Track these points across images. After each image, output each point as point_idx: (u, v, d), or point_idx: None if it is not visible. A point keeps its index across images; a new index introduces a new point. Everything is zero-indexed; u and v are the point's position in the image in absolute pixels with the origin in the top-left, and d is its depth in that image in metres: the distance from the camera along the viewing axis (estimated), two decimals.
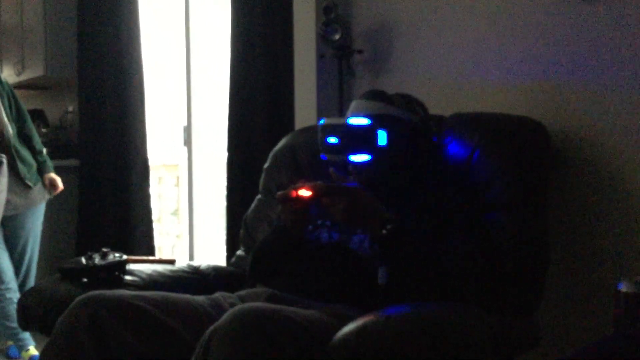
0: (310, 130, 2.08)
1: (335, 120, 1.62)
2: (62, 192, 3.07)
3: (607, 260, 1.69)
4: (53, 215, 3.35)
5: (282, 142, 2.05)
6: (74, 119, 4.07)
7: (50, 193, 3.02)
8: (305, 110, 2.43)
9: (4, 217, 2.85)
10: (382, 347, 1.17)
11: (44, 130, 3.98)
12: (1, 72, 4.20)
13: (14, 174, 2.85)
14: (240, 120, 2.84)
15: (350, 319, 1.25)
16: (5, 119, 2.85)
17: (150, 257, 2.00)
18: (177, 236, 4.33)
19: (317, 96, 2.40)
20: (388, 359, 1.16)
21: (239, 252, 2.06)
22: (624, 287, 1.27)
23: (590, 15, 1.72)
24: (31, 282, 3.05)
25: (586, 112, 1.74)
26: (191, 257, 3.49)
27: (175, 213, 4.40)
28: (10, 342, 3.04)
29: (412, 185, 1.62)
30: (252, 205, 2.06)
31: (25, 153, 2.93)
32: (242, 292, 1.60)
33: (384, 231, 1.39)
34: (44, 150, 3.04)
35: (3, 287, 2.87)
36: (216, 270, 1.89)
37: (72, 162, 3.77)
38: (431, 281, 1.41)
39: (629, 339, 1.03)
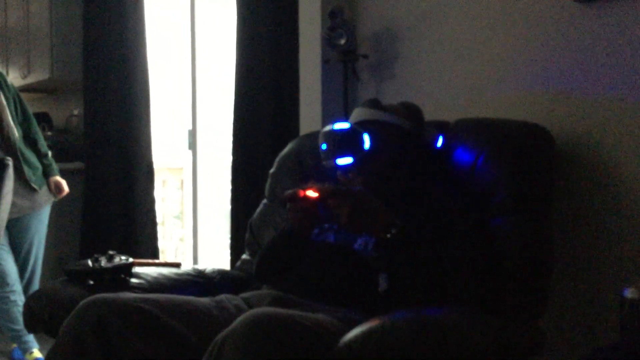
0: (315, 135, 2.08)
1: (325, 128, 1.68)
2: (67, 195, 3.07)
3: (612, 266, 1.69)
4: (58, 218, 3.35)
5: (287, 148, 2.06)
6: (79, 122, 4.08)
7: (55, 196, 3.03)
8: (310, 115, 2.44)
9: (9, 220, 2.86)
10: (387, 352, 1.17)
11: (49, 133, 3.99)
12: (7, 75, 4.21)
13: (20, 177, 2.85)
14: (245, 125, 2.84)
15: (357, 323, 1.25)
16: (11, 122, 2.86)
17: (156, 260, 2.01)
18: (181, 239, 4.33)
19: (322, 101, 2.40)
20: None
21: (244, 256, 2.07)
22: (629, 294, 1.27)
23: (594, 20, 1.72)
24: (36, 284, 3.06)
25: (590, 117, 1.74)
26: (195, 261, 3.50)
27: (178, 216, 4.41)
28: (14, 345, 3.04)
29: (415, 189, 1.62)
30: (258, 210, 2.07)
31: (31, 156, 2.93)
32: (247, 294, 1.60)
33: (388, 235, 1.40)
34: (50, 153, 3.04)
35: (8, 289, 2.87)
36: (221, 274, 1.89)
37: (77, 165, 3.78)
38: (435, 285, 1.41)
39: (634, 345, 1.03)
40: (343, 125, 1.62)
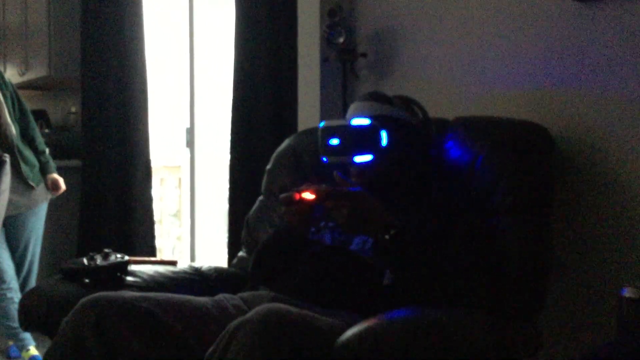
0: (312, 132, 2.08)
1: (335, 122, 1.62)
2: (64, 192, 3.07)
3: (611, 265, 1.69)
4: (55, 215, 3.34)
5: (284, 144, 2.05)
6: (76, 120, 4.08)
7: (52, 193, 3.02)
8: (309, 113, 2.43)
9: (6, 217, 2.85)
10: (385, 351, 1.17)
11: (46, 130, 3.98)
12: (5, 72, 4.20)
13: (17, 174, 2.84)
14: (243, 123, 2.84)
15: (352, 324, 1.24)
16: (9, 119, 2.85)
17: (152, 258, 2.00)
18: (178, 238, 4.33)
19: (321, 99, 2.40)
20: None
21: (240, 254, 2.06)
22: (627, 293, 1.27)
23: (595, 20, 1.72)
24: (32, 282, 3.05)
25: (590, 116, 1.74)
26: (192, 259, 3.49)
27: (176, 215, 4.40)
28: (10, 342, 3.04)
29: (415, 189, 1.61)
30: (254, 207, 2.06)
31: (28, 153, 2.93)
32: (244, 294, 1.59)
33: (386, 236, 1.39)
34: (47, 151, 3.04)
35: (4, 287, 2.87)
36: (218, 271, 1.89)
37: (75, 162, 3.77)
38: (434, 285, 1.40)
39: (632, 344, 1.03)
40: (362, 120, 1.55)
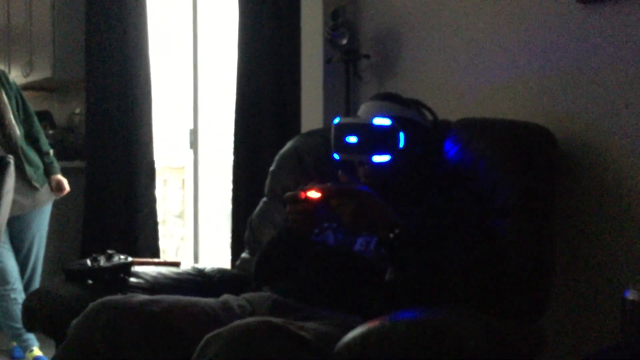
0: (316, 133, 2.08)
1: (352, 120, 1.61)
2: (68, 193, 3.08)
3: (614, 267, 1.69)
4: (59, 216, 3.35)
5: (287, 145, 2.05)
6: (80, 121, 4.08)
7: (56, 194, 3.02)
8: (312, 115, 2.43)
9: (10, 218, 2.86)
10: (387, 353, 1.17)
11: (50, 131, 3.99)
12: (9, 73, 4.21)
13: (21, 175, 2.85)
14: (246, 124, 2.84)
15: (354, 327, 1.24)
16: (13, 120, 2.86)
17: (156, 260, 2.00)
18: (182, 239, 4.33)
19: (324, 100, 2.40)
20: None
21: (243, 255, 2.06)
22: (630, 295, 1.26)
23: (597, 21, 1.71)
24: (36, 283, 3.06)
25: (593, 117, 1.73)
26: (196, 260, 3.49)
27: (180, 216, 4.40)
28: (14, 343, 3.04)
29: (420, 189, 1.61)
30: (258, 208, 2.06)
31: (32, 154, 2.94)
32: (248, 295, 1.59)
33: (391, 235, 1.39)
34: (51, 152, 3.05)
35: (8, 287, 2.87)
36: (221, 272, 1.89)
37: (79, 163, 3.78)
38: (437, 285, 1.40)
39: (635, 346, 1.03)
40: (384, 120, 1.55)
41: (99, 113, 3.71)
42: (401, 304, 1.33)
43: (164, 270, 1.79)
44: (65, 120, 4.28)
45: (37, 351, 2.94)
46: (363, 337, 1.18)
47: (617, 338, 1.31)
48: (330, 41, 2.29)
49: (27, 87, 4.13)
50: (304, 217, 1.51)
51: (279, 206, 1.92)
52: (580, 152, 1.75)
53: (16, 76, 4.13)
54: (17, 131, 2.87)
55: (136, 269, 1.74)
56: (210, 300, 1.51)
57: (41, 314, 1.61)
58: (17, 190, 2.83)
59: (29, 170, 2.88)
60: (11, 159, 2.80)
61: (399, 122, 1.56)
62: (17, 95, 2.94)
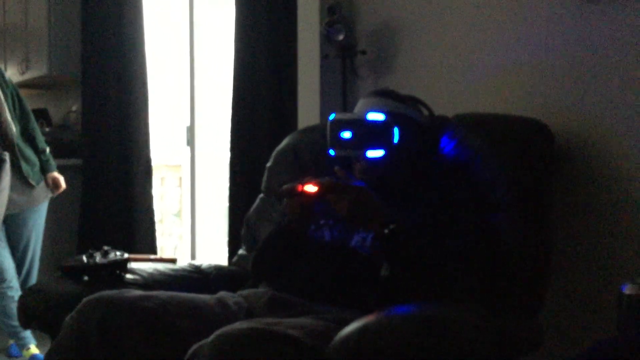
0: (312, 129, 2.08)
1: (347, 115, 1.61)
2: (64, 191, 3.07)
3: (611, 262, 1.69)
4: (55, 214, 3.34)
5: (284, 142, 2.05)
6: (77, 119, 4.07)
7: (52, 192, 3.02)
8: (309, 111, 2.43)
9: (7, 216, 2.85)
10: (383, 347, 1.16)
11: (47, 129, 3.98)
12: (5, 70, 4.19)
13: (17, 173, 2.85)
14: (243, 121, 2.83)
15: (350, 322, 1.24)
16: (9, 118, 2.86)
17: (152, 256, 2.00)
18: (179, 237, 4.32)
19: (321, 96, 2.39)
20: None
21: (240, 252, 2.06)
22: (627, 290, 1.26)
23: (598, 17, 1.71)
24: (33, 280, 3.05)
25: (590, 112, 1.73)
26: (193, 257, 3.49)
27: (177, 214, 4.40)
28: (11, 341, 3.04)
29: (415, 185, 1.61)
30: (254, 204, 2.06)
31: (29, 152, 2.93)
32: (245, 292, 1.59)
33: (386, 231, 1.39)
34: (47, 149, 3.04)
35: (5, 285, 2.87)
36: (217, 269, 1.88)
37: (75, 161, 3.77)
38: (433, 281, 1.40)
39: (633, 341, 1.02)
40: (378, 115, 1.55)
41: (95, 111, 3.70)
42: (397, 299, 1.33)
43: (160, 266, 1.78)
44: (62, 117, 4.27)
45: (34, 349, 2.94)
46: (359, 332, 1.18)
47: (614, 332, 1.31)
48: (327, 37, 2.29)
49: (23, 84, 4.12)
50: (300, 211, 1.50)
51: (276, 202, 1.92)
52: (577, 147, 1.75)
53: (12, 74, 4.12)
54: (13, 129, 2.86)
55: (132, 265, 1.74)
56: (205, 296, 1.50)
57: (37, 311, 1.60)
58: (13, 188, 2.82)
59: (25, 167, 2.87)
60: (7, 157, 2.80)
61: (394, 118, 1.56)
62: (14, 92, 2.94)
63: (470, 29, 2.02)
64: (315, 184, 1.43)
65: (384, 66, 2.29)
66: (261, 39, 2.74)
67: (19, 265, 2.99)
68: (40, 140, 3.01)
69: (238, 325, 1.24)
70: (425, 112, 1.70)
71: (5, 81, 2.90)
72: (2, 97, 2.84)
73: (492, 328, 1.34)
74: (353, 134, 1.54)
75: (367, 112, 1.57)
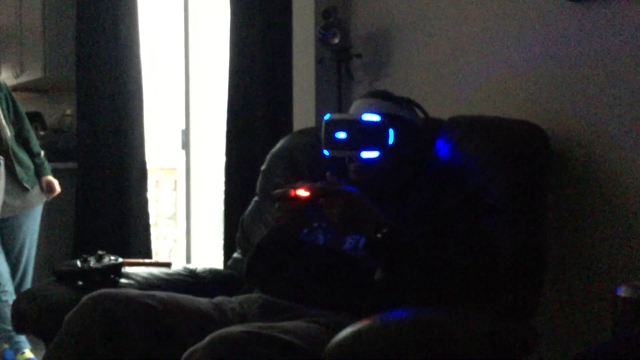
0: (307, 132, 2.08)
1: (342, 116, 1.61)
2: (59, 194, 3.06)
3: (606, 264, 1.69)
4: (50, 217, 3.34)
5: (279, 144, 2.04)
6: (72, 122, 4.06)
7: (47, 196, 3.01)
8: (304, 114, 2.43)
9: (1, 220, 2.84)
10: (378, 352, 1.16)
11: (41, 132, 3.97)
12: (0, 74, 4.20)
13: (12, 176, 2.84)
14: (238, 124, 2.83)
15: (344, 326, 1.24)
16: (3, 122, 2.85)
17: (147, 260, 1.99)
18: (175, 240, 4.31)
19: (316, 100, 2.39)
20: None
21: (235, 255, 2.05)
22: (622, 292, 1.26)
23: (588, 19, 1.72)
24: (28, 284, 3.04)
25: (585, 115, 1.73)
26: (188, 261, 3.48)
27: (172, 217, 4.39)
28: (6, 345, 3.02)
29: (409, 187, 1.61)
30: (249, 207, 2.06)
31: (23, 155, 2.92)
32: (239, 298, 1.59)
33: (378, 235, 1.38)
34: (42, 153, 3.03)
35: None
36: (212, 273, 1.88)
37: (70, 165, 3.76)
38: (427, 285, 1.40)
39: (627, 344, 1.03)
40: (373, 116, 1.55)
41: (90, 114, 3.69)
42: (391, 304, 1.33)
43: (155, 270, 1.78)
44: (56, 121, 4.26)
45: (28, 353, 2.92)
46: (354, 336, 1.18)
47: (609, 336, 1.31)
48: (322, 40, 2.29)
49: (17, 88, 4.11)
50: (292, 215, 1.50)
51: (271, 205, 1.91)
52: (572, 150, 1.76)
53: (7, 77, 4.11)
54: (8, 132, 2.85)
55: (127, 269, 1.73)
56: (204, 300, 1.51)
57: (30, 316, 1.60)
58: (7, 192, 2.82)
59: (19, 171, 2.86)
60: (1, 160, 2.79)
61: (389, 119, 1.56)
62: (8, 96, 2.93)
63: (464, 32, 2.03)
64: (307, 189, 1.43)
65: (379, 69, 2.29)
66: (256, 43, 2.74)
67: (14, 270, 2.98)
68: (35, 143, 3.00)
69: (232, 328, 1.24)
70: (421, 115, 1.70)
71: None
72: None
73: (486, 332, 1.34)
74: (348, 135, 1.54)
75: (363, 112, 1.57)
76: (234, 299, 1.58)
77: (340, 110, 2.32)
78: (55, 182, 3.01)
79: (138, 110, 3.55)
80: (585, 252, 1.73)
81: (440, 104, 2.03)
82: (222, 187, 2.92)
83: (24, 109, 3.03)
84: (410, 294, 1.39)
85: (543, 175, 1.62)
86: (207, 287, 1.77)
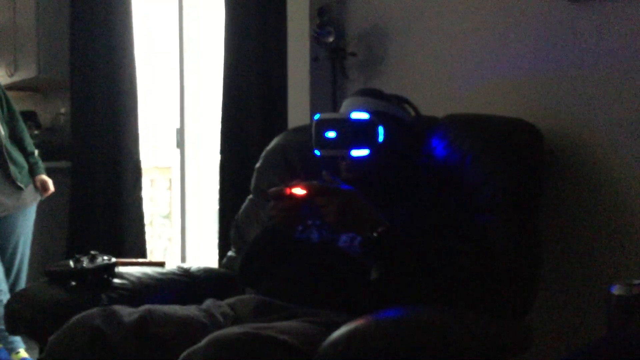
0: (301, 130, 2.07)
1: (332, 115, 1.61)
2: (53, 194, 3.05)
3: (600, 262, 1.69)
4: (44, 217, 3.32)
5: (273, 142, 2.04)
6: (66, 121, 4.05)
7: (41, 195, 3.00)
8: (299, 113, 2.42)
9: None
10: (373, 351, 1.16)
11: (36, 131, 3.95)
12: None
13: (5, 175, 2.83)
14: (233, 123, 2.82)
15: (339, 325, 1.23)
16: None
17: (140, 260, 1.98)
18: (169, 239, 4.30)
19: (311, 98, 2.39)
20: None
21: (229, 253, 2.05)
22: (616, 290, 1.26)
23: (586, 19, 1.71)
24: (22, 284, 3.03)
25: (579, 113, 1.74)
26: (183, 260, 3.47)
27: (167, 216, 4.38)
28: (0, 345, 3.01)
29: (402, 185, 1.61)
30: (243, 205, 2.05)
31: (17, 154, 2.91)
32: (232, 300, 1.57)
33: (374, 234, 1.38)
34: (36, 152, 3.02)
35: None
36: (206, 272, 1.87)
37: (64, 164, 3.75)
38: (422, 284, 1.39)
39: (622, 342, 1.03)
40: (361, 115, 1.54)
41: (84, 113, 3.68)
42: (387, 302, 1.32)
43: (149, 270, 1.77)
44: (51, 120, 4.25)
45: (23, 353, 2.92)
46: (349, 336, 1.17)
47: (604, 333, 1.31)
48: (317, 39, 2.28)
49: (11, 87, 4.09)
50: (287, 214, 1.50)
51: (265, 203, 1.91)
52: (567, 148, 1.75)
53: (0, 76, 4.10)
54: (2, 131, 2.84)
55: (120, 269, 1.72)
56: (192, 308, 1.48)
57: (23, 317, 1.59)
58: (1, 191, 2.81)
59: (13, 170, 2.85)
60: None
61: (378, 117, 1.55)
62: (2, 95, 2.92)
63: (459, 31, 2.02)
64: (302, 187, 1.42)
65: (374, 68, 2.29)
66: (251, 41, 2.73)
67: (8, 269, 2.97)
68: (29, 142, 2.99)
69: (229, 330, 1.23)
70: (411, 111, 1.69)
71: None
72: None
73: (481, 330, 1.34)
74: (337, 134, 1.54)
75: (351, 111, 1.56)
76: (224, 302, 1.55)
77: (335, 109, 2.32)
78: (50, 181, 3.00)
79: (132, 109, 3.55)
80: (579, 250, 1.73)
81: (435, 103, 2.03)
82: (217, 186, 2.91)
83: (18, 107, 3.02)
84: (405, 293, 1.38)
85: (537, 174, 1.62)
86: (201, 286, 1.77)
